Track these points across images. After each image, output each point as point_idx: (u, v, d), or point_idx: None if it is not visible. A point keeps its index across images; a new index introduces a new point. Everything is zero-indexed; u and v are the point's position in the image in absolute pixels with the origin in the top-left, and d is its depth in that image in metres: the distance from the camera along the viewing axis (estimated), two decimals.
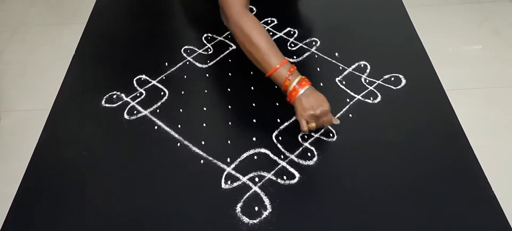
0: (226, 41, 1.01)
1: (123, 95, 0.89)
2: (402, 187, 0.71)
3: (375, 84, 0.89)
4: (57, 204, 0.72)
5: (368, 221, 0.67)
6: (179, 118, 0.84)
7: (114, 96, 0.89)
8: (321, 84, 0.90)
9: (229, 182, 0.72)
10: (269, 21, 1.06)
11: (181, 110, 0.86)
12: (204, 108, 0.85)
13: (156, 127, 0.82)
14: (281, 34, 1.03)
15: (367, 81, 0.90)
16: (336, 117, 0.81)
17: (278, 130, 0.80)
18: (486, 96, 1.58)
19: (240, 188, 0.71)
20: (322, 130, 0.80)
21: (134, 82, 0.92)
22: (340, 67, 0.93)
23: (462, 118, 0.81)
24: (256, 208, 0.68)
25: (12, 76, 1.77)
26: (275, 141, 0.78)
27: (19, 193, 0.73)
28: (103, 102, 0.88)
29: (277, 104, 0.86)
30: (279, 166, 0.74)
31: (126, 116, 0.85)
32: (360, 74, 0.91)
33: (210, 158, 0.76)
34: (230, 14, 0.85)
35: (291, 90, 0.78)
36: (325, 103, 0.76)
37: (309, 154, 0.76)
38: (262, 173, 0.73)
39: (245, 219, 0.67)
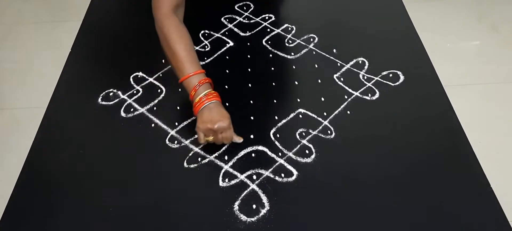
0: (223, 38, 1.01)
1: (119, 93, 0.89)
2: (400, 183, 0.71)
3: (373, 80, 0.89)
4: (54, 202, 0.71)
5: (366, 218, 0.66)
6: (176, 116, 0.83)
7: (111, 94, 0.89)
8: (319, 81, 0.89)
9: (226, 180, 0.72)
10: (267, 18, 1.06)
11: (178, 108, 0.85)
12: None
13: (153, 125, 0.82)
14: (278, 30, 1.02)
15: (365, 77, 0.89)
16: (334, 114, 0.81)
17: (276, 127, 0.80)
18: (484, 92, 1.58)
19: (238, 186, 0.71)
20: (320, 127, 0.79)
21: (131, 79, 0.92)
22: (338, 64, 0.93)
23: (460, 114, 0.81)
24: (254, 206, 0.68)
25: (7, 74, 1.76)
26: (272, 138, 0.78)
27: (15, 192, 0.73)
28: (99, 100, 0.88)
29: (275, 101, 0.86)
30: (277, 164, 0.74)
31: (123, 114, 0.84)
32: (358, 71, 0.91)
33: (208, 156, 0.76)
34: (156, 15, 0.82)
35: (196, 102, 0.76)
36: (226, 120, 0.74)
37: (307, 151, 0.75)
38: (260, 171, 0.73)
39: (243, 217, 0.67)
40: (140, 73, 0.93)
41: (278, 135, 0.79)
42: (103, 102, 0.87)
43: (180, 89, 0.89)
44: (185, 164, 0.75)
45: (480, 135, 1.35)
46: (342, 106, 0.83)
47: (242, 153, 0.76)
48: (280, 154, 0.75)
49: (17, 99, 1.64)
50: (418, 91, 0.86)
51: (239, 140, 0.77)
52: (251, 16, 1.06)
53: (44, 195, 0.72)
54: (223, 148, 0.77)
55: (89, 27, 1.08)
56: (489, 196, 0.68)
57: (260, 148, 0.77)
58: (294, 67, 0.93)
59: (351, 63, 0.93)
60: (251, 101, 0.86)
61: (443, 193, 0.69)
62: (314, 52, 0.96)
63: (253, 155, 0.76)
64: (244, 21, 1.05)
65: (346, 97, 0.85)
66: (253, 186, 0.71)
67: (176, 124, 0.81)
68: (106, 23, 1.10)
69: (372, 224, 0.66)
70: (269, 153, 0.76)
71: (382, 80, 0.89)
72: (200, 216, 0.68)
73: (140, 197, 0.71)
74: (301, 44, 0.98)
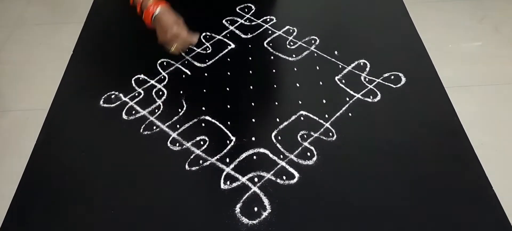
0: (225, 40, 1.01)
1: (121, 95, 0.89)
2: (402, 186, 0.71)
3: (375, 82, 0.88)
4: (56, 204, 0.71)
5: (367, 220, 0.66)
6: (177, 118, 0.83)
7: (113, 96, 0.89)
8: (321, 83, 0.89)
9: (228, 182, 0.72)
10: (268, 20, 1.06)
11: (179, 110, 0.85)
12: (203, 108, 0.85)
13: (154, 127, 0.82)
14: (280, 32, 1.02)
15: (367, 79, 0.89)
16: (335, 116, 0.81)
17: (277, 129, 0.80)
18: (486, 94, 1.58)
19: (240, 189, 0.71)
20: (321, 129, 0.79)
21: (133, 82, 0.92)
22: (340, 66, 0.93)
23: (462, 116, 0.81)
24: (256, 209, 0.68)
25: (10, 75, 1.76)
26: (274, 140, 0.78)
27: (18, 193, 0.73)
28: (101, 102, 0.88)
29: (276, 103, 0.86)
30: (278, 166, 0.74)
31: (124, 116, 0.85)
32: (360, 73, 0.91)
33: (209, 158, 0.76)
34: None
35: (144, 14, 0.85)
36: (179, 22, 0.85)
37: (308, 154, 0.75)
38: (262, 173, 0.73)
39: (245, 220, 0.67)
40: (142, 76, 0.93)
41: (279, 137, 0.79)
42: (105, 105, 0.87)
43: (181, 92, 0.89)
44: (186, 167, 0.75)
45: (482, 137, 1.35)
46: (343, 108, 0.83)
47: (244, 155, 0.76)
48: (281, 156, 0.75)
49: (20, 101, 1.65)
50: (420, 93, 0.86)
51: (195, 38, 0.88)
52: (252, 18, 1.06)
53: (46, 196, 0.72)
54: (225, 151, 0.77)
55: (91, 29, 1.08)
56: (491, 198, 0.68)
57: (262, 150, 0.77)
58: (295, 69, 0.93)
59: (353, 65, 0.93)
60: (252, 104, 0.86)
61: (444, 195, 0.69)
62: (315, 54, 0.96)
63: (254, 157, 0.76)
64: (245, 23, 1.05)
65: (347, 99, 0.85)
66: (255, 189, 0.71)
67: (178, 126, 0.82)
68: (108, 25, 1.11)
69: (373, 226, 0.66)
70: (271, 155, 0.76)
71: (383, 82, 0.89)
72: (202, 219, 0.68)
73: (141, 200, 0.71)
74: (303, 46, 0.98)
